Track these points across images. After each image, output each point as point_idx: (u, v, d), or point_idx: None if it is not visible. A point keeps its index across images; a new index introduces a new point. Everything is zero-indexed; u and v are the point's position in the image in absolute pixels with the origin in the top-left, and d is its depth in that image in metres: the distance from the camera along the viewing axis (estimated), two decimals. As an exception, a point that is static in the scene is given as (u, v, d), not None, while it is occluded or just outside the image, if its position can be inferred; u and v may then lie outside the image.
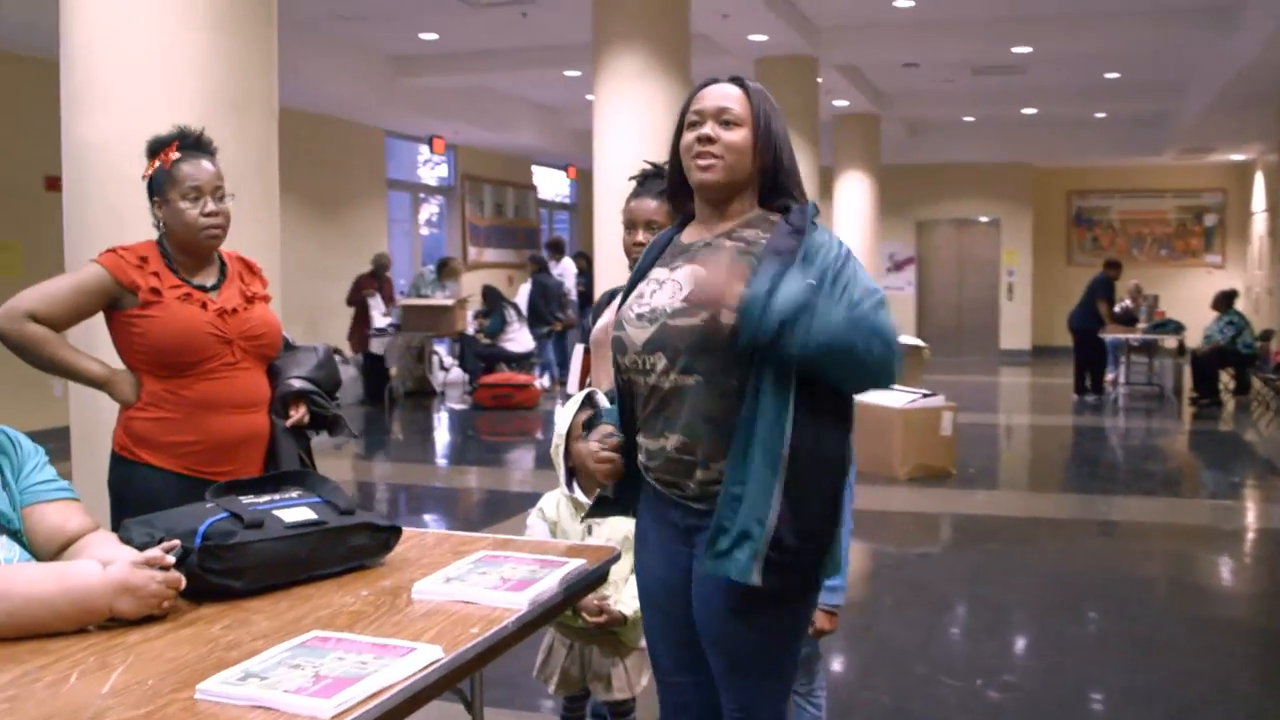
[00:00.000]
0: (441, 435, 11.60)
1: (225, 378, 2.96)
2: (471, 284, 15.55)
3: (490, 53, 12.04)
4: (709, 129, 2.26)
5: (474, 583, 2.13)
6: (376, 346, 12.74)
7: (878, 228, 16.66)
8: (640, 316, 2.26)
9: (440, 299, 13.20)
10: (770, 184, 2.32)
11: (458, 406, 12.86)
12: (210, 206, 2.94)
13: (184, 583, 2.00)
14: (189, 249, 2.98)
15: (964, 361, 18.37)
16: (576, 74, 12.25)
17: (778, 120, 2.32)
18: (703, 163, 2.26)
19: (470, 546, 2.48)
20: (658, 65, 7.66)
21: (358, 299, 12.77)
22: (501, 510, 7.52)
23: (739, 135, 2.27)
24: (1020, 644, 4.90)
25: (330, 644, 1.79)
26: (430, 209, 16.87)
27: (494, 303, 13.60)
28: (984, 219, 19.77)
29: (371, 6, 10.26)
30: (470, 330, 13.63)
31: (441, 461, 10.12)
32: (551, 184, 19.77)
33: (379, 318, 12.72)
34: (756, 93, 2.32)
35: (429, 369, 13.66)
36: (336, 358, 12.16)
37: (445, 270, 13.73)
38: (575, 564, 2.28)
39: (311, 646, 1.78)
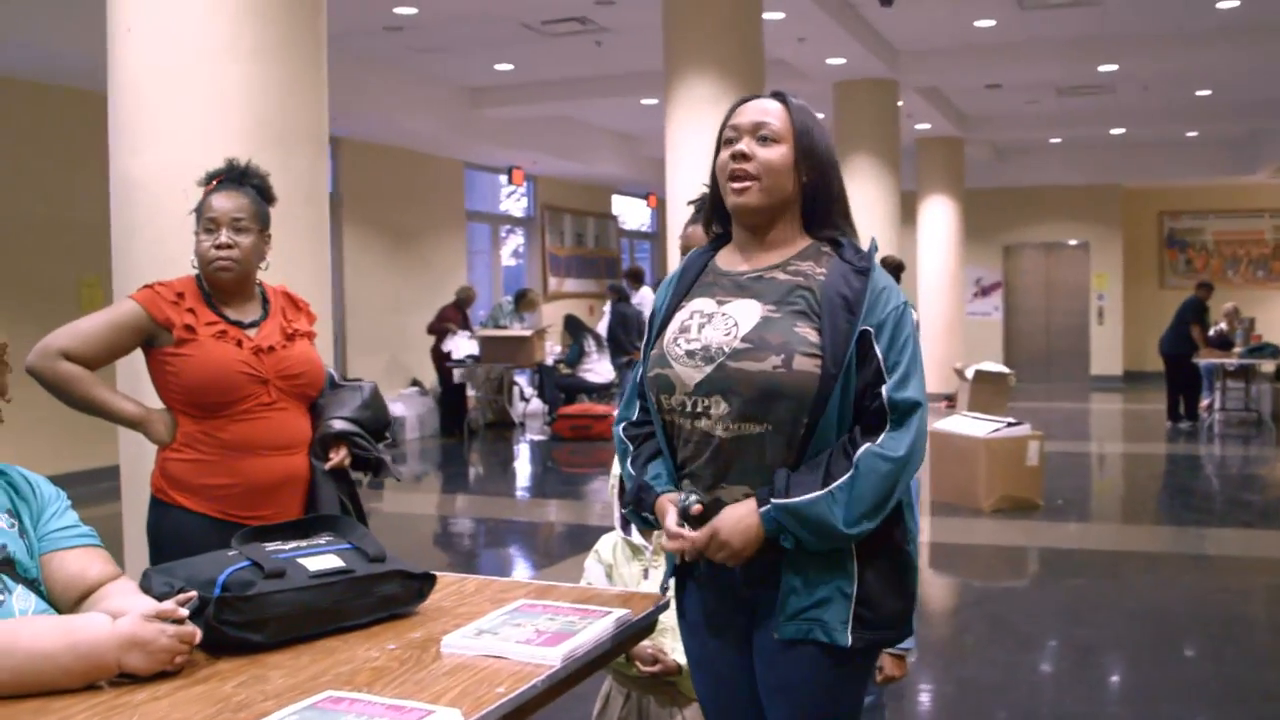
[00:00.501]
0: (521, 467, 11.55)
1: (261, 418, 2.87)
2: (552, 314, 15.53)
3: (566, 82, 12.04)
4: (744, 145, 2.12)
5: (506, 636, 2.00)
6: (456, 378, 12.76)
7: (963, 252, 16.36)
8: (691, 354, 2.11)
9: (518, 330, 13.18)
10: (813, 208, 2.18)
11: (537, 438, 12.81)
12: (222, 239, 2.86)
13: (199, 637, 1.90)
14: (210, 283, 2.91)
15: (1053, 388, 17.92)
16: (653, 101, 12.20)
17: (822, 138, 2.18)
18: (737, 185, 2.12)
19: (510, 594, 2.36)
20: (731, 91, 7.53)
21: (438, 329, 12.80)
22: (580, 544, 7.40)
23: (777, 153, 2.13)
24: (1109, 688, 4.66)
25: (343, 705, 1.68)
26: (515, 240, 16.91)
27: (576, 333, 13.56)
28: (1073, 242, 19.32)
29: (448, 39, 10.29)
30: (549, 361, 13.59)
31: (521, 494, 10.04)
32: (632, 213, 19.75)
33: (458, 348, 12.72)
34: (798, 108, 2.17)
35: (509, 400, 13.63)
36: (414, 390, 12.24)
37: (523, 301, 13.73)
38: (619, 614, 2.14)
39: (323, 709, 1.66)
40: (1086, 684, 4.63)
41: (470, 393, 13.15)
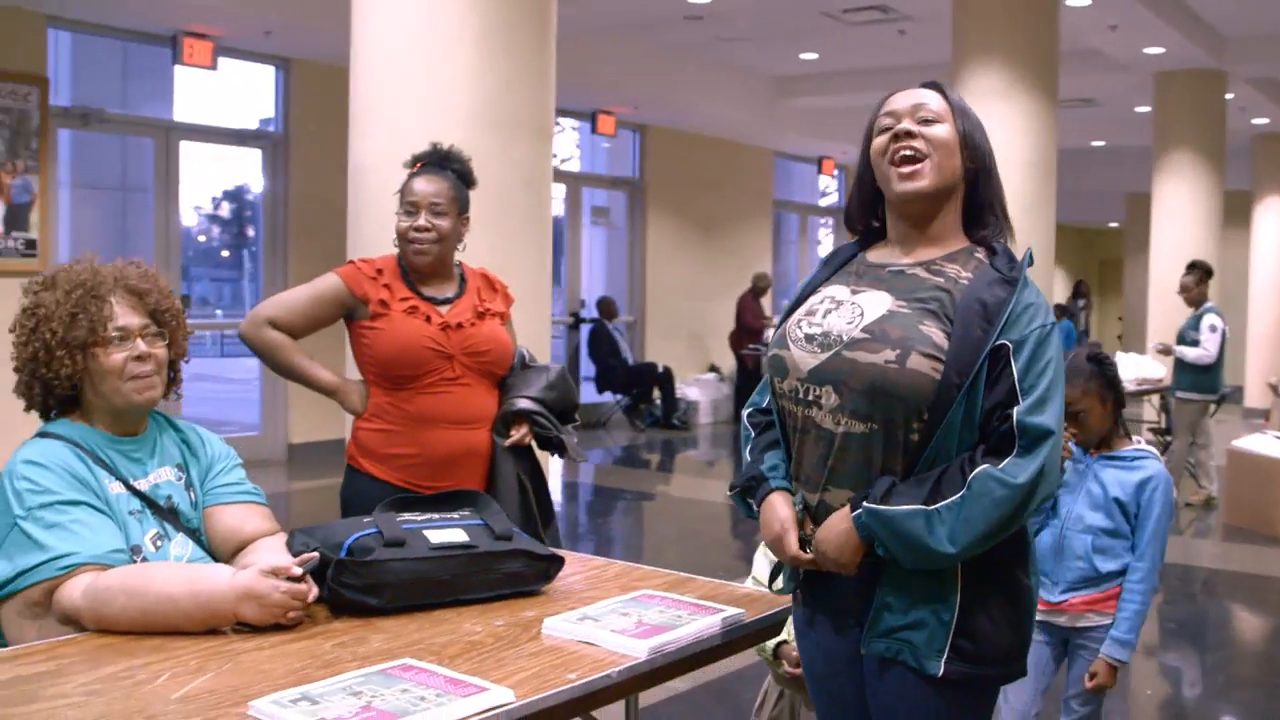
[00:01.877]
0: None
1: (445, 393, 2.99)
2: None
3: (867, 71, 11.82)
4: (908, 124, 2.01)
5: (606, 623, 2.02)
6: (752, 364, 12.84)
7: (1304, 258, 14.98)
8: (810, 338, 2.01)
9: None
10: (975, 200, 2.06)
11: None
12: (420, 221, 2.99)
13: (312, 594, 2.02)
14: (407, 262, 3.05)
15: None
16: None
17: (979, 124, 2.06)
18: (906, 169, 1.98)
19: (644, 582, 2.37)
20: (1022, 82, 7.21)
21: (739, 316, 12.92)
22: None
23: (944, 130, 2.01)
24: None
25: (410, 674, 1.74)
26: (825, 231, 16.82)
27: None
28: None
29: (748, 28, 10.33)
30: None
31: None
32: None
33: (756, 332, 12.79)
34: (955, 97, 2.05)
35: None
36: (712, 375, 12.38)
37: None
38: (729, 614, 2.11)
39: (389, 674, 1.73)
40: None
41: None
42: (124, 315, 2.20)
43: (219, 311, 28.20)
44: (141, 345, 2.20)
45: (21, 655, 1.86)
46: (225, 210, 30.17)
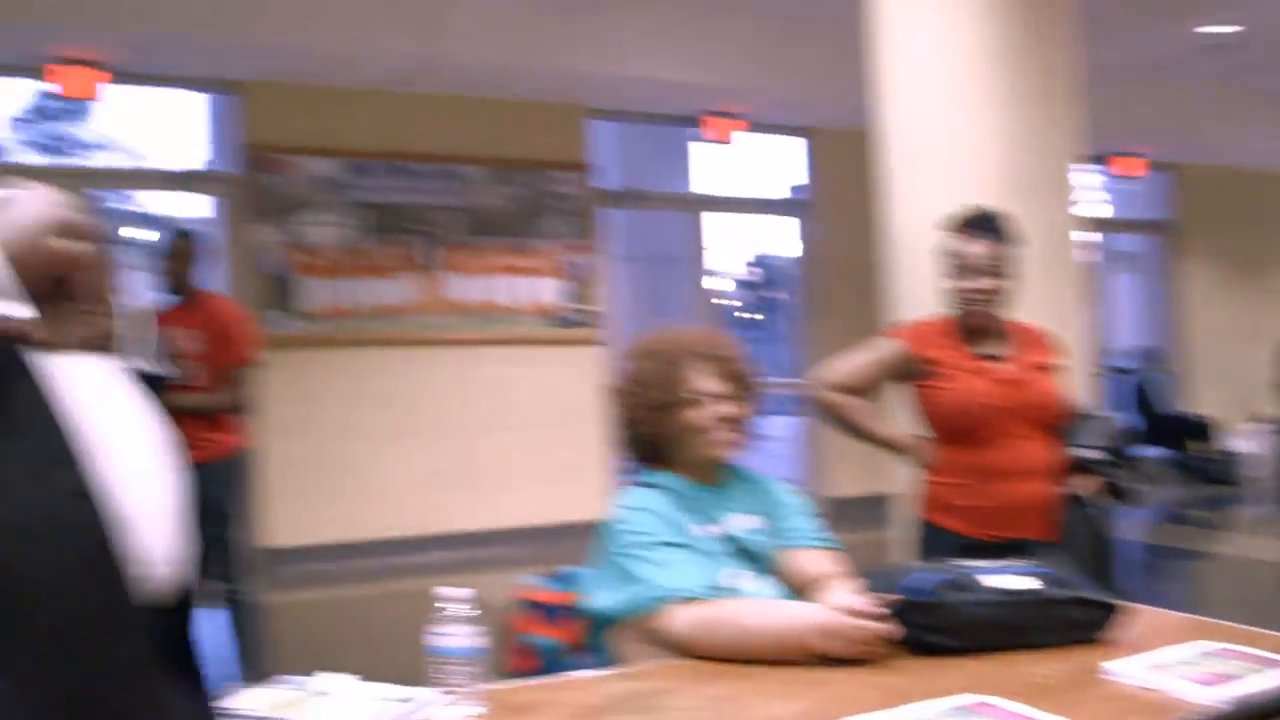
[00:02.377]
0: None
1: (1007, 446, 3.08)
2: None
3: None
4: None
5: (1175, 672, 2.00)
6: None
7: None
8: None
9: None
10: None
11: None
12: (979, 283, 3.08)
13: (892, 633, 2.16)
14: (963, 322, 3.15)
15: None
16: None
17: None
18: None
19: (1206, 633, 2.30)
20: None
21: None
22: None
23: None
24: None
25: (988, 711, 1.83)
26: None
27: None
28: None
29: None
30: None
31: None
32: None
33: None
34: None
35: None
36: (1263, 426, 11.45)
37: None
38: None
39: (969, 709, 1.83)
40: None
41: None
42: (708, 381, 2.47)
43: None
44: (723, 407, 2.46)
45: (641, 676, 2.14)
46: (760, 273, 31.67)
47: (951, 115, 4.04)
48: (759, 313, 31.14)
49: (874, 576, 2.38)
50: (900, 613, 2.21)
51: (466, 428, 8.11)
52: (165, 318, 4.60)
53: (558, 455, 8.27)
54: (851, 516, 9.00)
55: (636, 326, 13.13)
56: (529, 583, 2.63)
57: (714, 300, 10.26)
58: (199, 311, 4.69)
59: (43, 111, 19.47)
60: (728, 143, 9.09)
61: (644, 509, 2.40)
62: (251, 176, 7.77)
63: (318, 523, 7.70)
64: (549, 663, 2.44)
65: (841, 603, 2.19)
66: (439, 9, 7.18)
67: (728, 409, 2.47)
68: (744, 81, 8.21)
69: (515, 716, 1.88)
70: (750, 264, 31.45)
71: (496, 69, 7.66)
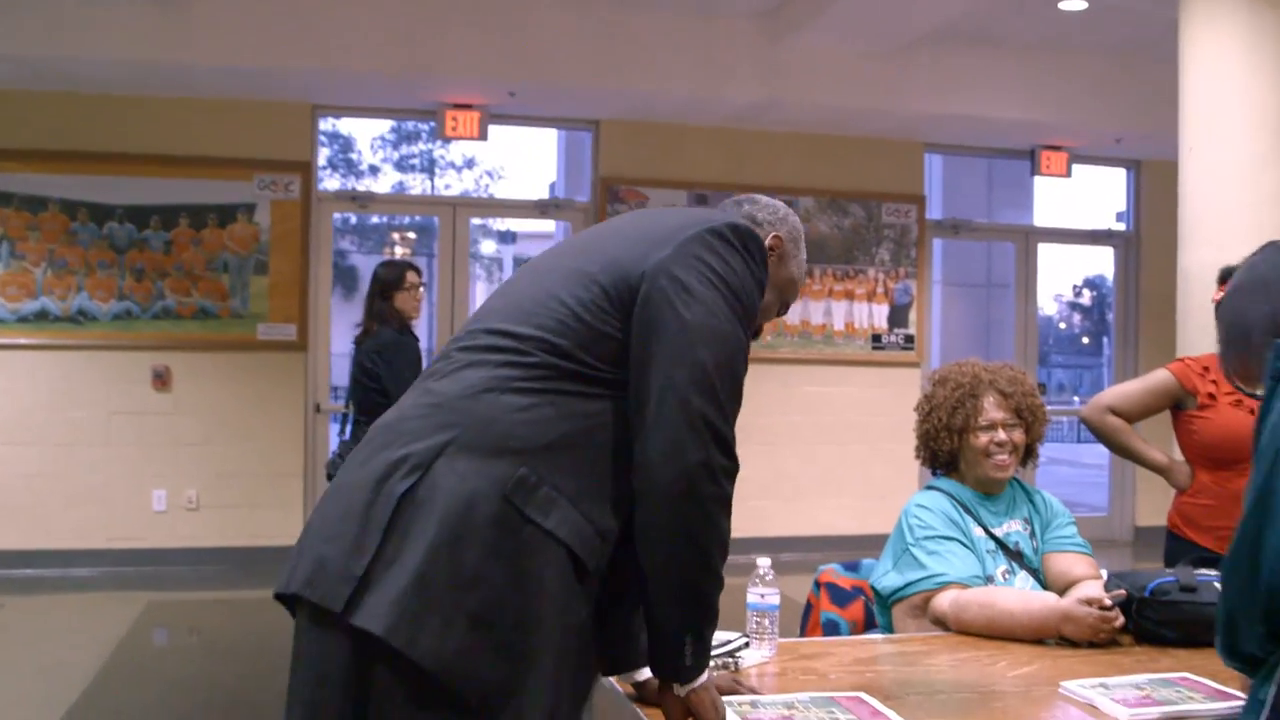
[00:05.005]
0: None
1: None
2: None
3: None
4: None
5: (1117, 694, 2.16)
6: None
7: None
8: None
9: None
10: None
11: None
12: None
13: (1119, 623, 2.58)
14: None
15: None
16: None
17: None
18: None
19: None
20: None
21: None
22: None
23: None
24: None
25: (1185, 684, 2.25)
26: None
27: None
28: None
29: None
30: None
31: None
32: None
33: None
34: None
35: None
36: None
37: None
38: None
39: (1171, 681, 2.26)
40: None
41: None
42: (992, 410, 2.96)
43: (1076, 398, 28.83)
44: (1002, 434, 2.95)
45: (906, 641, 2.67)
46: (1086, 300, 30.86)
47: (1252, 165, 4.28)
48: (1088, 336, 30.29)
49: (1120, 577, 2.80)
50: (1132, 607, 2.64)
51: (791, 440, 8.68)
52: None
53: (875, 470, 8.70)
54: (1157, 542, 9.04)
55: (963, 349, 13.39)
56: (829, 568, 3.21)
57: (1039, 325, 10.38)
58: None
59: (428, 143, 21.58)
60: (1065, 176, 9.28)
61: (929, 507, 2.92)
62: (604, 205, 8.65)
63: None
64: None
65: (1083, 595, 2.64)
66: (782, 58, 7.80)
67: (1009, 436, 2.96)
68: (1073, 116, 8.40)
69: (802, 661, 2.45)
70: (1078, 288, 30.65)
71: (836, 110, 8.19)
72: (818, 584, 3.19)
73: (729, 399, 1.83)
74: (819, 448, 8.86)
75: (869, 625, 3.07)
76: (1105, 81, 8.15)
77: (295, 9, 7.20)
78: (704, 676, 1.84)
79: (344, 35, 7.28)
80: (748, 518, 8.57)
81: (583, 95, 8.14)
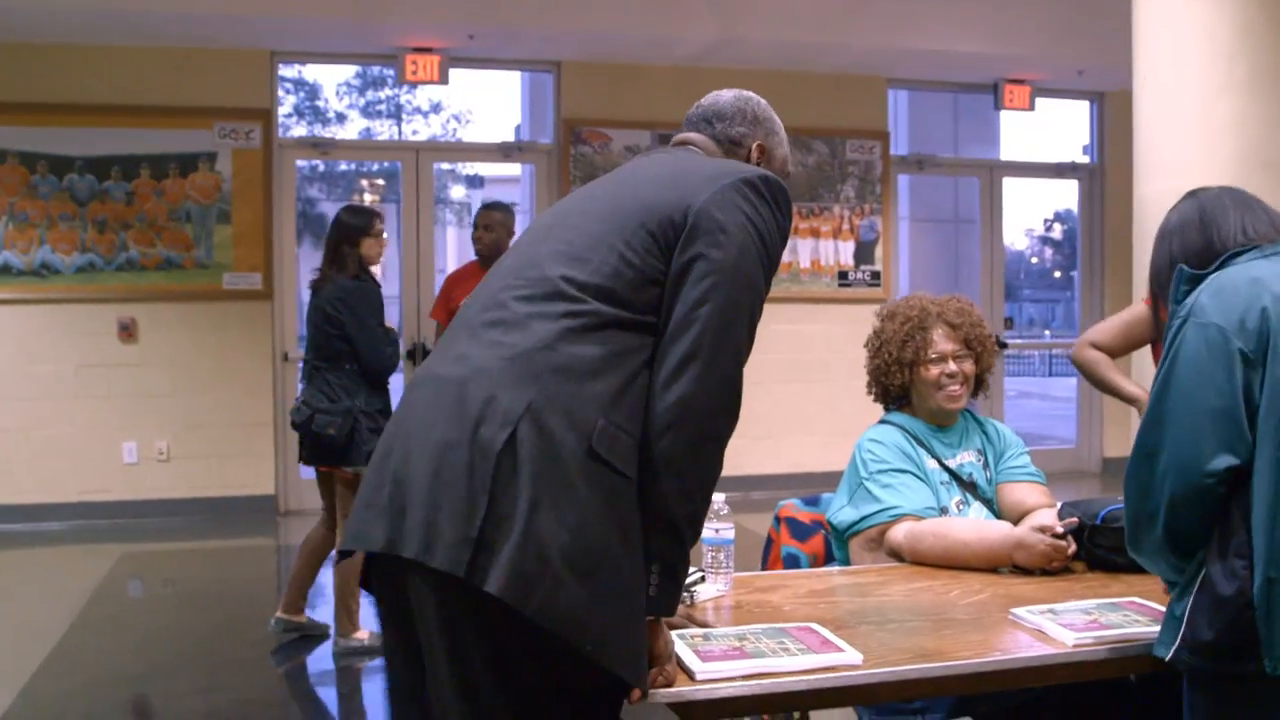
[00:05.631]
0: None
1: None
2: None
3: None
4: None
5: (1065, 618, 2.21)
6: None
7: None
8: None
9: None
10: None
11: None
12: None
13: (1071, 550, 2.62)
14: None
15: None
16: None
17: None
18: None
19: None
20: None
21: None
22: None
23: None
24: None
25: (1133, 607, 2.30)
26: None
27: None
28: None
29: None
30: None
31: None
32: None
33: None
34: None
35: None
36: None
37: None
38: None
39: (1118, 605, 2.31)
40: None
41: None
42: (941, 342, 2.99)
43: (1047, 332, 29.07)
44: (952, 365, 2.97)
45: (862, 572, 2.72)
46: (1057, 234, 31.00)
47: (1206, 94, 4.28)
48: (1059, 271, 30.44)
49: (1073, 505, 2.84)
50: (1084, 534, 2.68)
51: (763, 380, 8.72)
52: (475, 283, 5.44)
53: (843, 406, 8.74)
54: (1116, 474, 9.17)
55: (931, 284, 13.45)
56: (788, 503, 3.24)
57: (1005, 260, 10.42)
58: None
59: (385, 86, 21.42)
60: (1028, 109, 9.28)
61: (882, 441, 2.95)
62: (567, 147, 8.61)
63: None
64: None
65: (1036, 523, 2.68)
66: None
67: (959, 367, 2.99)
68: (1035, 49, 8.39)
69: (757, 594, 2.49)
70: (1049, 221, 30.77)
71: (796, 46, 8.16)
72: (777, 519, 3.23)
73: (744, 343, 1.89)
74: (788, 386, 8.91)
75: (829, 559, 3.11)
76: (1067, 13, 8.13)
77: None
78: (665, 616, 1.87)
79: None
80: (719, 457, 8.69)
81: (542, 37, 8.08)
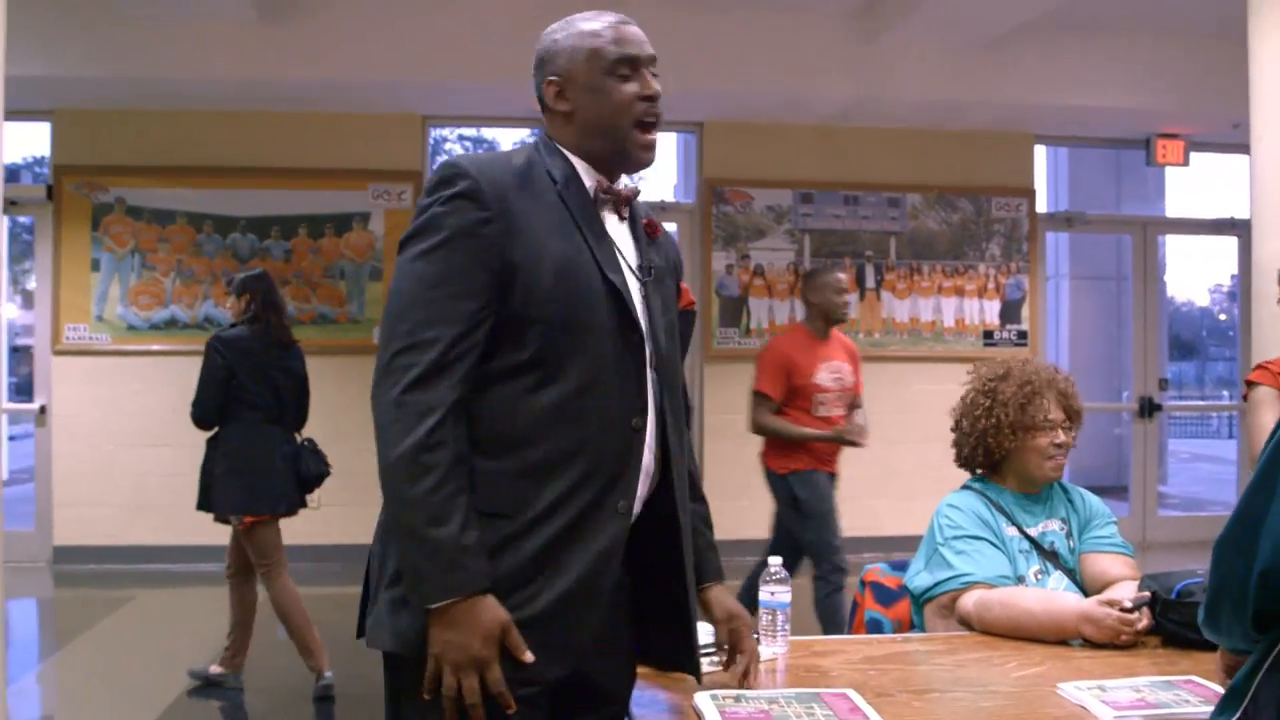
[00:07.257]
0: None
1: None
2: None
3: None
4: None
5: (1111, 696, 2.18)
6: None
7: None
8: None
9: None
10: None
11: None
12: None
13: (1142, 624, 2.56)
14: None
15: None
16: None
17: None
18: None
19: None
20: None
21: None
22: None
23: None
24: None
25: (1189, 687, 2.23)
26: None
27: None
28: None
29: None
30: None
31: None
32: None
33: None
34: None
35: None
36: None
37: None
38: None
39: (1172, 684, 2.26)
40: None
41: None
42: (1054, 410, 2.95)
43: (1225, 392, 27.78)
44: (1061, 435, 2.94)
45: (926, 640, 2.70)
46: (1224, 292, 29.74)
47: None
48: (1231, 330, 29.13)
49: (1153, 578, 2.76)
50: (1157, 608, 2.61)
51: (903, 439, 8.60)
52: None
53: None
54: None
55: (1093, 342, 13.06)
56: (874, 567, 3.23)
57: (1162, 318, 10.09)
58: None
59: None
60: (1182, 164, 9.01)
61: (960, 508, 2.93)
62: (709, 207, 8.70)
63: (758, 519, 8.51)
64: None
65: (1106, 596, 2.63)
66: (876, 55, 7.76)
67: (1064, 439, 2.95)
68: (1187, 102, 8.16)
69: (811, 658, 2.50)
70: (1235, 278, 29.54)
71: (938, 104, 8.11)
72: (863, 583, 3.22)
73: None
74: (931, 446, 8.75)
75: (914, 625, 3.08)
76: (1220, 64, 7.89)
77: (393, 22, 7.44)
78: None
79: (449, 48, 7.49)
80: (859, 516, 8.56)
81: (683, 95, 8.22)
